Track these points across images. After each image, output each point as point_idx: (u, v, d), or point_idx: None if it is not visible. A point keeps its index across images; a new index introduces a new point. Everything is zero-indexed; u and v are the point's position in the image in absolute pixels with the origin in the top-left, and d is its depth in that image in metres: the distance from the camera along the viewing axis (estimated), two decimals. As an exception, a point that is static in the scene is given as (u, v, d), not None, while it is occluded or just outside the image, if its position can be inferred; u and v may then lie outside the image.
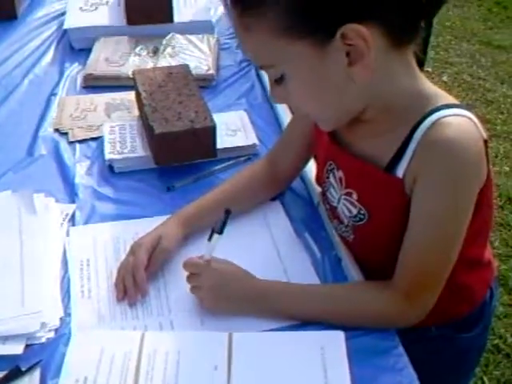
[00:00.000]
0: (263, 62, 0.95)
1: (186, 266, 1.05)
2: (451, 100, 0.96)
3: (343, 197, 1.06)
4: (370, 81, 0.91)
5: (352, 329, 0.98)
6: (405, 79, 0.96)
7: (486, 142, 0.95)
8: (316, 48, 0.88)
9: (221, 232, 1.03)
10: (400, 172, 0.96)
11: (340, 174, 1.06)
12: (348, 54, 0.88)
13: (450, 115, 0.92)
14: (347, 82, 0.91)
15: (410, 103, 0.95)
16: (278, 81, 0.95)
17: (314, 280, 1.09)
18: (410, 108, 0.95)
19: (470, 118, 0.94)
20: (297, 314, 1.01)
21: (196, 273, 1.04)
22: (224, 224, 1.03)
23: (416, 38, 0.93)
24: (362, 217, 1.04)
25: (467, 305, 1.14)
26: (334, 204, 1.10)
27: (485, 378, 1.98)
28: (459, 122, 0.93)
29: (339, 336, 0.96)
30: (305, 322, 1.01)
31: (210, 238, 1.04)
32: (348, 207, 1.06)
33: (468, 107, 0.97)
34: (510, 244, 2.45)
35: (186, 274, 1.05)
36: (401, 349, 0.97)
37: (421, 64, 1.00)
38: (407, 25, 0.91)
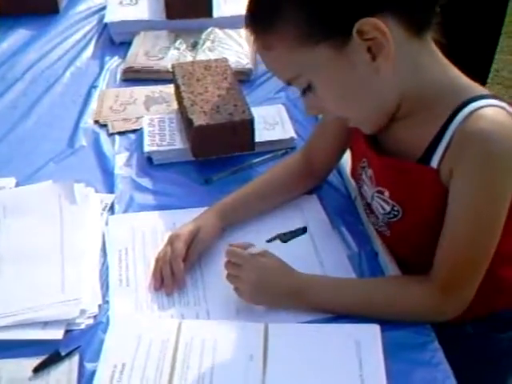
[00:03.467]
0: (289, 75, 0.96)
1: (228, 253, 1.05)
2: (484, 91, 0.96)
3: (375, 194, 1.06)
4: (397, 71, 0.92)
5: (388, 322, 0.98)
6: (434, 68, 0.96)
7: None
8: (337, 50, 0.90)
9: (285, 241, 1.04)
10: (434, 163, 0.95)
11: (370, 172, 1.06)
12: (369, 49, 0.90)
13: (485, 106, 0.92)
14: (375, 77, 0.92)
15: (444, 94, 0.95)
16: (306, 90, 0.96)
17: (350, 274, 1.09)
18: (443, 99, 0.95)
19: (504, 109, 0.93)
20: (333, 306, 1.01)
21: (238, 263, 1.04)
22: (292, 237, 1.03)
23: (432, 23, 0.94)
24: (395, 213, 1.03)
25: (504, 299, 1.13)
26: (369, 200, 1.10)
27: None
28: (495, 112, 0.92)
29: (375, 329, 0.96)
30: (341, 315, 1.01)
31: (270, 240, 1.05)
32: (381, 204, 1.06)
33: (502, 98, 0.96)
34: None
35: (223, 262, 1.06)
36: (437, 344, 0.97)
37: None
38: (421, 10, 0.92)
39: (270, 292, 1.03)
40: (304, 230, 1.04)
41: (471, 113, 0.92)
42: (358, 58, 0.90)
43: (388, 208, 1.04)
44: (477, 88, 0.96)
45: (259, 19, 0.94)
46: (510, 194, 0.94)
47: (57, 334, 0.99)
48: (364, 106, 0.97)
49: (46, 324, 1.00)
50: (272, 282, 1.03)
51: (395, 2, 0.89)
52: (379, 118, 0.99)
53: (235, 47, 1.69)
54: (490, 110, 0.92)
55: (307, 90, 0.96)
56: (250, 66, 1.62)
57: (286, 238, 1.04)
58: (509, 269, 1.08)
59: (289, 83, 0.99)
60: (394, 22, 0.89)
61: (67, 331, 1.00)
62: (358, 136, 1.08)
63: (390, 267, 1.09)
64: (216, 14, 1.80)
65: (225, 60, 1.51)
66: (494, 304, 1.11)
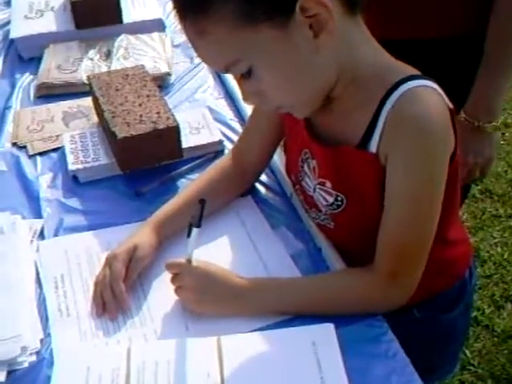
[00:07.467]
0: (228, 61, 0.90)
1: (168, 266, 1.03)
2: (414, 71, 0.95)
3: (318, 186, 1.05)
4: (334, 49, 0.90)
5: (339, 319, 0.97)
6: (365, 47, 0.95)
7: (451, 111, 0.95)
8: (279, 29, 0.86)
9: (199, 225, 1.00)
10: (373, 147, 0.94)
11: (314, 163, 1.05)
12: (311, 26, 0.87)
13: (416, 87, 0.92)
14: (317, 55, 0.90)
15: (376, 74, 0.95)
16: (246, 75, 0.92)
17: (295, 272, 1.08)
18: (376, 80, 0.94)
19: (435, 89, 0.93)
20: (281, 308, 1.00)
21: (178, 273, 1.02)
22: (201, 216, 0.99)
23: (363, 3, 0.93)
24: (339, 203, 1.02)
25: (446, 280, 1.14)
26: (310, 193, 1.08)
27: (467, 352, 1.98)
28: (426, 94, 0.92)
29: (329, 329, 0.94)
30: (291, 316, 0.99)
31: (188, 235, 1.01)
32: (324, 196, 1.04)
33: (431, 78, 0.95)
34: (478, 216, 2.47)
35: (166, 279, 1.03)
36: (390, 334, 0.97)
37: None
38: None
39: (215, 295, 1.01)
40: (202, 202, 1.00)
41: (403, 94, 0.91)
42: (300, 37, 0.87)
43: (331, 199, 1.03)
44: (407, 69, 0.96)
45: (192, 2, 0.87)
46: (444, 175, 0.95)
47: (-1, 376, 0.93)
48: (306, 87, 0.94)
49: (-15, 367, 0.95)
50: (215, 285, 1.00)
51: None
52: (316, 99, 0.97)
53: (150, 52, 1.65)
54: (420, 92, 0.92)
55: (246, 75, 0.92)
56: (167, 70, 1.58)
57: (195, 221, 1.00)
58: (446, 250, 1.09)
59: (226, 70, 0.93)
60: None
61: (10, 372, 0.94)
62: (297, 129, 1.06)
63: (335, 261, 1.08)
64: (126, 19, 1.75)
65: (141, 67, 1.47)
66: (436, 286, 1.11)
